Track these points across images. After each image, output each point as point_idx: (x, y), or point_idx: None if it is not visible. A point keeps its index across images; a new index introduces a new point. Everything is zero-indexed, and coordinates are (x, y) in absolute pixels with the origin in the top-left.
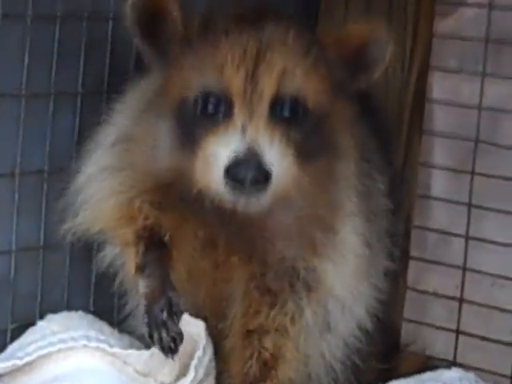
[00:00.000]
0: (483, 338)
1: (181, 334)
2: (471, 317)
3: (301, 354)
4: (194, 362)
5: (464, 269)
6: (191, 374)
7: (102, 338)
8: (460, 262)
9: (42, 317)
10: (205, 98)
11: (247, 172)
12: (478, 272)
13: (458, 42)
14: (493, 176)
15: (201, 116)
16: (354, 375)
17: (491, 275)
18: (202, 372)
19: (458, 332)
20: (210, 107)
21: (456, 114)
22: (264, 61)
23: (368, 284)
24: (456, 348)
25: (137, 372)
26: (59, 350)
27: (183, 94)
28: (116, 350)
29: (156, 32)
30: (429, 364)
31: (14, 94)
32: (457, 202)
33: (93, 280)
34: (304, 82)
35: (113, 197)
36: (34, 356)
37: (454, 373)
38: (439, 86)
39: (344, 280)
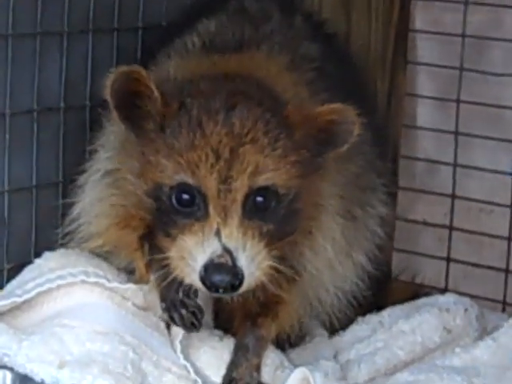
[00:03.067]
0: (474, 265)
1: (200, 308)
2: (461, 244)
3: (301, 301)
4: None
5: (453, 197)
6: None
7: (101, 273)
8: (448, 190)
9: (37, 256)
10: (180, 191)
11: (222, 278)
12: (467, 199)
13: None
14: (478, 103)
15: (177, 206)
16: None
17: (480, 202)
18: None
19: (448, 260)
20: (185, 201)
21: (440, 44)
22: (237, 160)
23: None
24: (447, 276)
25: (136, 306)
26: (58, 287)
27: (159, 180)
28: (114, 284)
29: (134, 108)
30: (420, 292)
31: (0, 34)
32: (443, 131)
33: None
34: (275, 173)
35: (110, 208)
36: (33, 293)
37: (448, 297)
38: (422, 16)
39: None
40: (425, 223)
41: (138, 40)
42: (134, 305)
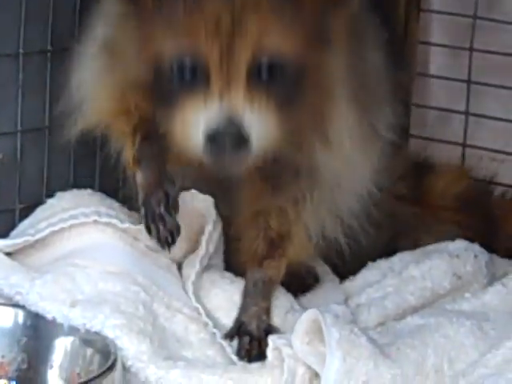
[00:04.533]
0: None
1: (178, 227)
2: None
3: (308, 231)
4: (204, 237)
5: (464, 145)
6: (202, 249)
7: (113, 213)
8: (460, 138)
9: (49, 197)
10: (181, 65)
11: (226, 141)
12: (478, 148)
13: None
14: (491, 52)
15: (177, 82)
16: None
17: (491, 151)
18: (212, 247)
19: None
20: (187, 75)
21: None
22: (239, 29)
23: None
24: None
25: (148, 247)
26: (71, 226)
27: (158, 56)
28: (126, 225)
29: None
30: None
31: None
32: (456, 79)
33: (98, 161)
34: (280, 43)
35: (106, 90)
36: (46, 232)
37: (458, 244)
38: None
39: (344, 164)
40: None
41: None
42: (146, 246)
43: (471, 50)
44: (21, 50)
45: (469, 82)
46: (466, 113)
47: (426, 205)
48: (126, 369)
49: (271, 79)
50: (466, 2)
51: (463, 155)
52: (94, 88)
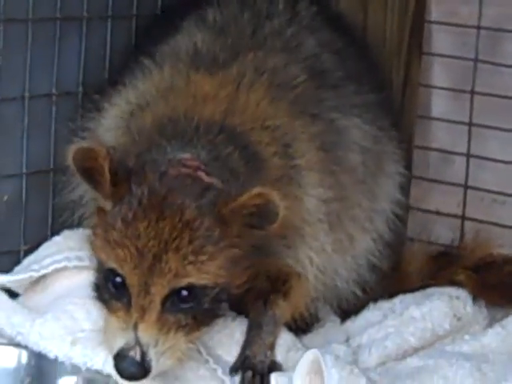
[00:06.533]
0: None
1: None
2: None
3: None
4: None
5: (466, 187)
6: None
7: None
8: (462, 180)
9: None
10: (112, 276)
11: (126, 368)
12: (480, 190)
13: None
14: (493, 95)
15: (109, 286)
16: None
17: (492, 192)
18: None
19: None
20: (116, 286)
21: (455, 35)
22: (159, 265)
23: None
24: None
25: None
26: (75, 267)
27: (101, 257)
28: None
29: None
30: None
31: (20, 18)
32: (457, 122)
33: None
34: (198, 277)
35: None
36: (51, 269)
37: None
38: (438, 8)
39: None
40: (438, 213)
41: None
42: None
43: (472, 92)
44: (26, 94)
45: (470, 124)
46: (468, 154)
47: None
48: None
49: (191, 300)
50: (468, 45)
51: (465, 197)
52: None
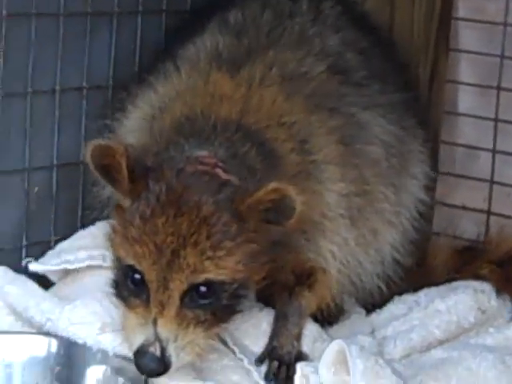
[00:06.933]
0: None
1: None
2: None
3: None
4: None
5: (491, 182)
6: None
7: None
8: (487, 175)
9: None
10: (131, 272)
11: (147, 364)
12: (505, 185)
13: None
14: None
15: (128, 283)
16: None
17: None
18: None
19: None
20: (135, 282)
21: (482, 32)
22: (177, 261)
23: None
24: None
25: None
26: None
27: (119, 253)
28: None
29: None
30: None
31: (52, 13)
32: (483, 118)
33: None
34: (217, 272)
35: None
36: (85, 264)
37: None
38: (465, 4)
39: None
40: (464, 208)
41: None
42: None
43: (499, 88)
44: (57, 87)
45: (496, 120)
46: (494, 150)
47: None
48: None
49: (209, 296)
50: (494, 41)
51: (490, 192)
52: None
